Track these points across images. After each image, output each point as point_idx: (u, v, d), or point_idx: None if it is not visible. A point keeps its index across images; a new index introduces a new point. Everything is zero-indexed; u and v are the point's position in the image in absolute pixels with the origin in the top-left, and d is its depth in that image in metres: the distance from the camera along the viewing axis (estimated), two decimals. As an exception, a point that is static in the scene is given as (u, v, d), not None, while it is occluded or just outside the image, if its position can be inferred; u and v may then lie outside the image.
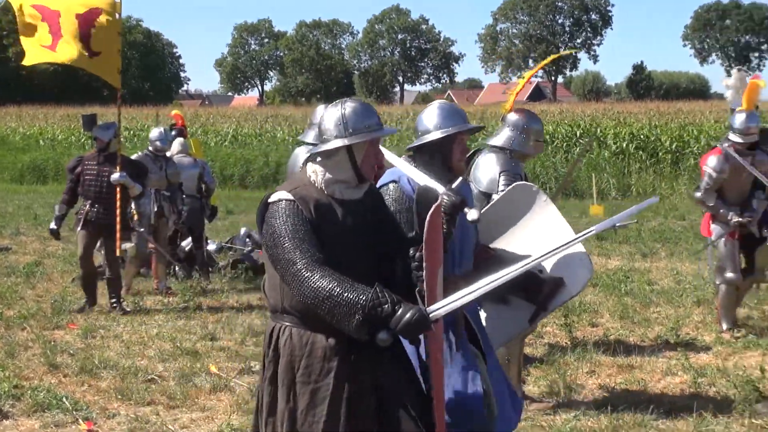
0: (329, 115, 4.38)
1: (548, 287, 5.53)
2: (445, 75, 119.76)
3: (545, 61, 8.72)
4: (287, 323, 4.31)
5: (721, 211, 9.39)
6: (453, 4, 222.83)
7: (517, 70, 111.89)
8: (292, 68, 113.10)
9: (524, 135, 7.13)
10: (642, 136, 28.64)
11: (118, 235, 10.75)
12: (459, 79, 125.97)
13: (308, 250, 4.10)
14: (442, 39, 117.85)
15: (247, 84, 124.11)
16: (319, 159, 4.38)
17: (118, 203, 10.67)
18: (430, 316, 4.03)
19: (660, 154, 27.68)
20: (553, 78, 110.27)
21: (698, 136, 27.89)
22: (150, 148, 12.61)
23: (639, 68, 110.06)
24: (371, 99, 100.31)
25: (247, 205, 23.16)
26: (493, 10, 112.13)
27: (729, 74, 10.83)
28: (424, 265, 4.14)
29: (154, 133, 12.75)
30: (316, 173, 4.37)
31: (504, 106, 7.91)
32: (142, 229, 11.90)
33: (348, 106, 4.37)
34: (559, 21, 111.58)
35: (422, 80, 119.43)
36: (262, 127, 38.54)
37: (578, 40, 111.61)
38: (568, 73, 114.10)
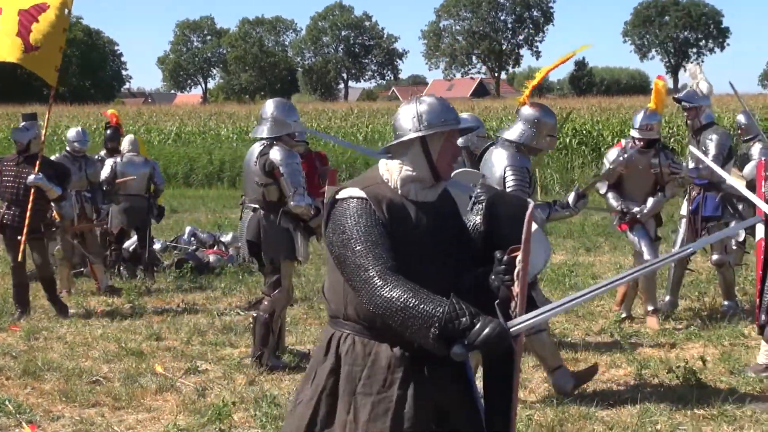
0: (404, 111, 4.17)
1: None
2: (389, 72, 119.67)
3: (569, 55, 8.49)
4: (349, 331, 4.03)
5: (610, 200, 9.79)
6: (396, 1, 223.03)
7: (461, 67, 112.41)
8: (235, 66, 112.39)
9: (536, 129, 7.09)
10: (584, 132, 28.87)
11: (23, 239, 10.26)
12: (403, 75, 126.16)
13: (381, 256, 3.83)
14: (385, 36, 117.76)
15: (190, 82, 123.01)
16: (390, 155, 4.16)
17: (29, 206, 10.23)
18: (511, 330, 3.76)
19: (602, 149, 27.84)
20: (496, 74, 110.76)
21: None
22: (68, 149, 12.34)
23: (581, 64, 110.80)
24: (315, 96, 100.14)
25: (192, 204, 22.99)
26: (436, 6, 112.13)
27: (685, 70, 10.96)
28: (519, 271, 3.87)
29: (72, 133, 12.44)
30: (390, 171, 4.10)
31: (518, 99, 7.87)
32: (66, 234, 11.68)
33: (423, 101, 4.17)
34: (502, 18, 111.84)
35: (366, 77, 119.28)
36: (206, 125, 38.24)
37: (521, 37, 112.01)
38: (511, 69, 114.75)
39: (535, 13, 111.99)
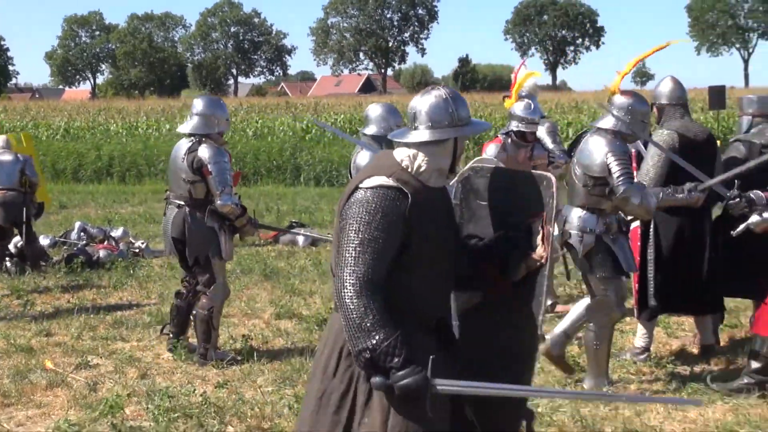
0: (436, 103, 4.14)
1: None
2: (278, 67, 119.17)
3: (657, 48, 8.39)
4: None
5: None
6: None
7: (349, 63, 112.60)
8: (124, 61, 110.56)
9: (630, 116, 6.99)
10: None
11: None
12: (292, 71, 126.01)
13: (369, 262, 3.84)
14: (274, 32, 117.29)
15: (78, 77, 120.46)
16: (409, 146, 4.12)
17: None
18: (437, 388, 3.80)
19: (483, 142, 28.17)
20: (383, 71, 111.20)
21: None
22: None
23: (464, 61, 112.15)
24: (205, 91, 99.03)
25: (81, 199, 22.50)
26: (324, 4, 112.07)
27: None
28: (545, 236, 4.14)
29: None
30: (412, 158, 4.08)
31: (610, 89, 7.76)
32: None
33: (452, 95, 4.19)
34: (388, 15, 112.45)
35: (256, 72, 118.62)
36: (95, 121, 37.48)
37: (406, 34, 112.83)
38: (397, 66, 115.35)
39: (420, 12, 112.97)
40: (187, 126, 8.02)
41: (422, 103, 4.16)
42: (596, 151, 6.85)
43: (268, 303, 10.47)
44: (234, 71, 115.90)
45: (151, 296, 10.97)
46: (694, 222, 7.84)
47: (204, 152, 7.76)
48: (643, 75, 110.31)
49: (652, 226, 7.73)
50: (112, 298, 11.00)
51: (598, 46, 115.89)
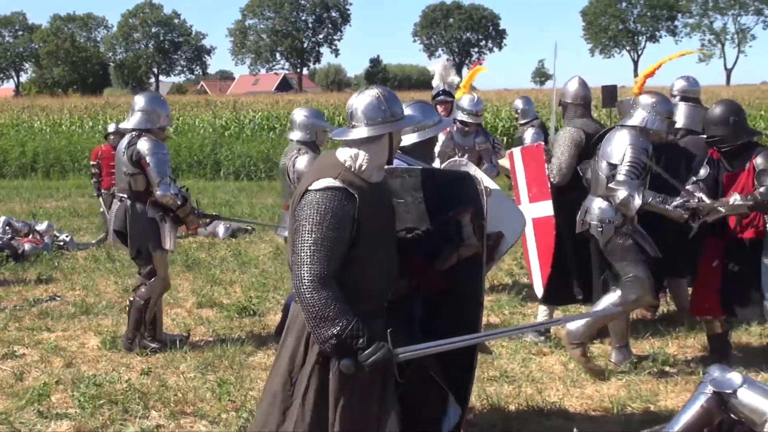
0: (369, 101, 4.24)
1: (492, 240, 5.52)
2: (197, 67, 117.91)
3: (684, 53, 8.38)
4: None
5: None
6: (204, 0, 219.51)
7: (266, 63, 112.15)
8: (47, 60, 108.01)
9: (656, 115, 6.96)
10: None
11: None
12: (211, 70, 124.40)
13: (324, 259, 4.00)
14: (194, 33, 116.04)
15: (1, 75, 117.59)
16: (350, 145, 4.24)
17: None
18: (399, 356, 4.10)
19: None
20: (298, 70, 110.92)
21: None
22: None
23: (376, 62, 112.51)
24: (127, 90, 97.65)
25: (5, 194, 21.95)
26: (241, 6, 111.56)
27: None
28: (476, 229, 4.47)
29: None
30: (354, 158, 4.20)
31: (633, 89, 7.66)
32: None
33: (384, 93, 4.29)
34: (303, 18, 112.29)
35: (176, 71, 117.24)
36: (19, 117, 36.65)
37: (320, 36, 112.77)
38: (312, 65, 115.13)
39: (333, 14, 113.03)
40: (130, 122, 7.90)
41: (358, 102, 4.26)
42: (619, 143, 6.90)
43: (189, 292, 10.37)
44: (155, 70, 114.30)
45: (75, 288, 10.77)
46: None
47: (142, 145, 7.67)
48: (542, 75, 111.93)
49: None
50: (38, 290, 10.76)
51: (500, 48, 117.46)
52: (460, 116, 9.77)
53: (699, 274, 7.37)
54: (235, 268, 11.81)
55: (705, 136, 7.15)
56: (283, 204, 7.91)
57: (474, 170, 5.47)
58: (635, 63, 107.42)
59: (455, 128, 9.75)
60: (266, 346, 8.02)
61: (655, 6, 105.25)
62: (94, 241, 13.91)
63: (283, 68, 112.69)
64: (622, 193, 6.71)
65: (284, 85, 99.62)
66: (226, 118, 31.28)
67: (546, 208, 7.63)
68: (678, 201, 6.78)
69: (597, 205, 7.03)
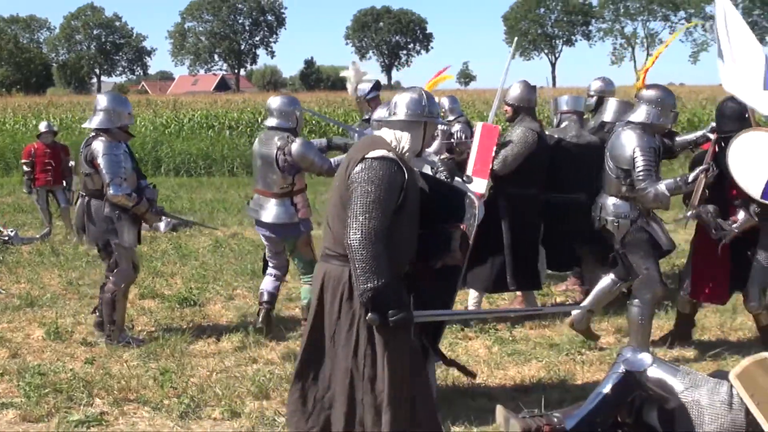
0: (413, 97, 4.66)
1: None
2: (138, 67, 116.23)
3: (671, 38, 8.21)
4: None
5: None
6: (144, 3, 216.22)
7: (204, 64, 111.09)
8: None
9: (660, 107, 6.80)
10: (314, 122, 29.11)
11: None
12: (152, 71, 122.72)
13: (380, 216, 4.31)
14: (135, 35, 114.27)
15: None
16: (393, 127, 4.65)
17: None
18: (415, 318, 4.49)
19: (328, 135, 28.23)
20: (236, 71, 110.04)
21: (362, 122, 28.49)
22: None
23: (310, 63, 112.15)
24: (70, 89, 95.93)
25: (-47, 191, 21.45)
26: (181, 9, 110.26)
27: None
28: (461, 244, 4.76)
29: None
30: (398, 140, 4.59)
31: (636, 84, 7.47)
32: None
33: (425, 93, 4.72)
34: (240, 21, 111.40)
35: (118, 72, 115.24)
36: (-36, 116, 35.75)
37: (257, 38, 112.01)
38: (249, 66, 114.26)
39: (269, 17, 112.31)
40: (92, 122, 7.74)
41: (404, 96, 4.70)
42: (627, 145, 6.75)
43: (132, 284, 10.21)
44: (97, 71, 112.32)
45: (20, 281, 10.53)
46: (524, 212, 8.20)
47: (96, 146, 7.55)
48: (466, 76, 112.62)
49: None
50: (-17, 283, 10.51)
51: (427, 50, 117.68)
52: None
53: (702, 263, 7.39)
54: (176, 260, 11.68)
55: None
56: (256, 189, 7.85)
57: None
58: (553, 65, 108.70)
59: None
60: (206, 335, 7.96)
61: (571, 12, 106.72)
62: (38, 236, 13.63)
63: (221, 69, 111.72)
64: (650, 194, 6.62)
65: (222, 85, 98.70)
66: (166, 116, 30.87)
67: (480, 186, 7.66)
68: (692, 176, 6.76)
69: (611, 202, 6.97)
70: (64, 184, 14.03)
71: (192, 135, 27.73)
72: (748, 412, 5.04)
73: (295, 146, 7.56)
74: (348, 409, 4.52)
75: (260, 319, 7.89)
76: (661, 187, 6.59)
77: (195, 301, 9.25)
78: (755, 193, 6.73)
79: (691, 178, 6.74)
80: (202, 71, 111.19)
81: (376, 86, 10.04)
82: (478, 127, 8.09)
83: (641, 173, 6.62)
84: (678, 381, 5.28)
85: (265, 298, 7.93)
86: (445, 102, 10.63)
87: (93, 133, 7.70)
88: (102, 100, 7.83)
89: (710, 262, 7.26)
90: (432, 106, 4.69)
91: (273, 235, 7.78)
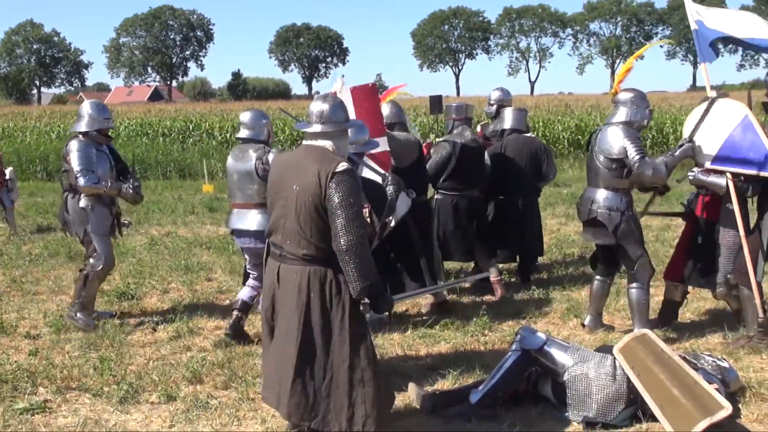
0: (342, 106, 4.73)
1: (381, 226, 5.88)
2: (76, 79, 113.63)
3: (638, 53, 8.04)
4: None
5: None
6: (82, 21, 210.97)
7: (139, 76, 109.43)
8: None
9: (636, 106, 6.81)
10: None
11: None
12: (89, 82, 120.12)
13: (363, 223, 4.50)
14: (72, 49, 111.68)
15: None
16: (326, 138, 4.70)
17: None
18: (394, 300, 4.89)
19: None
20: (168, 82, 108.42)
21: (284, 128, 28.25)
22: None
23: (237, 75, 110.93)
24: (11, 100, 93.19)
25: None
26: (116, 25, 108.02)
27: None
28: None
29: None
30: (335, 148, 4.66)
31: (611, 92, 7.28)
32: None
33: (340, 101, 4.77)
34: (171, 36, 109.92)
35: (57, 84, 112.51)
36: None
37: (187, 52, 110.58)
38: (180, 78, 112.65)
39: (198, 33, 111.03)
40: (75, 126, 7.90)
41: (324, 106, 4.70)
42: (614, 138, 6.77)
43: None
44: (37, 82, 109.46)
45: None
46: (470, 203, 8.39)
47: (71, 145, 7.72)
48: (380, 87, 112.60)
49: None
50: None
51: (344, 63, 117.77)
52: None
53: (678, 246, 7.54)
54: (114, 257, 11.42)
55: (528, 134, 7.38)
56: (235, 203, 7.34)
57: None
58: (456, 76, 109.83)
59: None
60: (143, 326, 7.83)
61: (472, 28, 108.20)
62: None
63: (154, 81, 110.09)
64: (648, 171, 6.66)
65: (156, 96, 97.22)
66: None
67: (382, 144, 7.42)
68: (680, 149, 6.82)
69: (602, 195, 6.93)
70: (8, 186, 13.63)
71: (128, 141, 27.25)
72: (629, 382, 5.19)
73: (272, 156, 7.48)
74: (350, 389, 4.60)
75: (230, 325, 7.33)
76: (658, 165, 6.69)
77: (132, 294, 9.07)
78: (706, 159, 6.77)
79: (678, 152, 6.84)
80: (136, 83, 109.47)
81: None
82: (345, 93, 7.54)
83: (635, 157, 6.69)
84: (568, 356, 5.39)
85: (238, 305, 7.34)
86: (384, 108, 10.48)
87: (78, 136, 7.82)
88: (84, 107, 7.95)
89: (680, 245, 7.48)
90: (345, 111, 4.76)
91: (257, 245, 7.15)
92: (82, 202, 7.73)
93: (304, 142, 4.79)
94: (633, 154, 6.69)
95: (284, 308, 4.70)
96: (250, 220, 7.18)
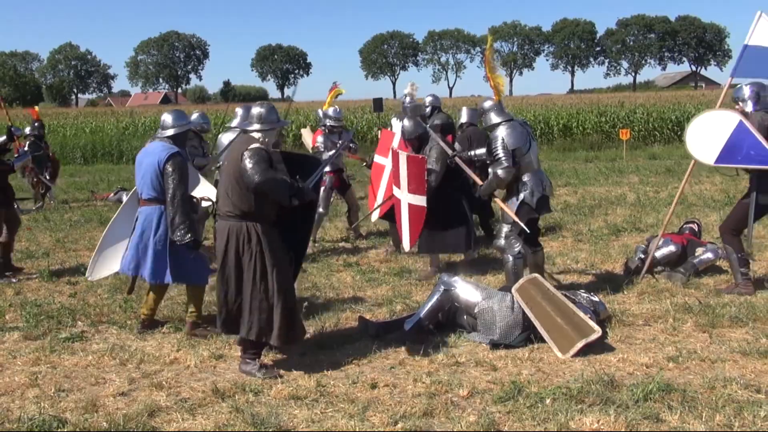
0: (272, 109, 4.78)
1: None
2: (105, 87, 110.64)
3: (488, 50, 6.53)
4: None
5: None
6: (109, 42, 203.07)
7: (152, 85, 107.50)
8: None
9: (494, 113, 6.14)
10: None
11: None
12: (115, 90, 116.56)
13: (269, 169, 4.55)
14: (102, 64, 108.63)
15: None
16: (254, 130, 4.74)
17: None
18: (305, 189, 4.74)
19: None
20: (175, 90, 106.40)
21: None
22: None
23: (227, 83, 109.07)
24: (55, 104, 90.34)
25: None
26: (134, 46, 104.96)
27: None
28: None
29: None
30: (263, 137, 4.70)
31: (496, 97, 6.22)
32: None
33: (270, 106, 4.81)
34: (177, 54, 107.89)
35: (90, 91, 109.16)
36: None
37: (189, 66, 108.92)
38: (184, 86, 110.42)
39: (197, 52, 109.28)
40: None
41: (262, 112, 4.76)
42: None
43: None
44: (74, 90, 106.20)
45: (21, 240, 9.75)
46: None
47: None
48: (338, 94, 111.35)
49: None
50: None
51: (308, 74, 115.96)
52: (328, 122, 9.01)
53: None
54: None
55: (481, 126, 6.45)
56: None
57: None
58: (393, 84, 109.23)
59: (327, 130, 8.99)
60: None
61: (405, 47, 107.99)
62: (34, 207, 12.66)
63: (164, 88, 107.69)
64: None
65: (165, 100, 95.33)
66: (125, 122, 29.45)
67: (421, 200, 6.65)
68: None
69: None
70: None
71: (144, 135, 26.52)
72: (524, 313, 5.18)
73: (222, 137, 7.29)
74: (250, 308, 4.66)
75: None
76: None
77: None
78: (710, 160, 6.19)
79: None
80: (150, 90, 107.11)
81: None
82: (402, 157, 6.74)
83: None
84: (478, 294, 5.36)
85: None
86: (320, 113, 9.84)
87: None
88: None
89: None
90: (276, 114, 4.78)
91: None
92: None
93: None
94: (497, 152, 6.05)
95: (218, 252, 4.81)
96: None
